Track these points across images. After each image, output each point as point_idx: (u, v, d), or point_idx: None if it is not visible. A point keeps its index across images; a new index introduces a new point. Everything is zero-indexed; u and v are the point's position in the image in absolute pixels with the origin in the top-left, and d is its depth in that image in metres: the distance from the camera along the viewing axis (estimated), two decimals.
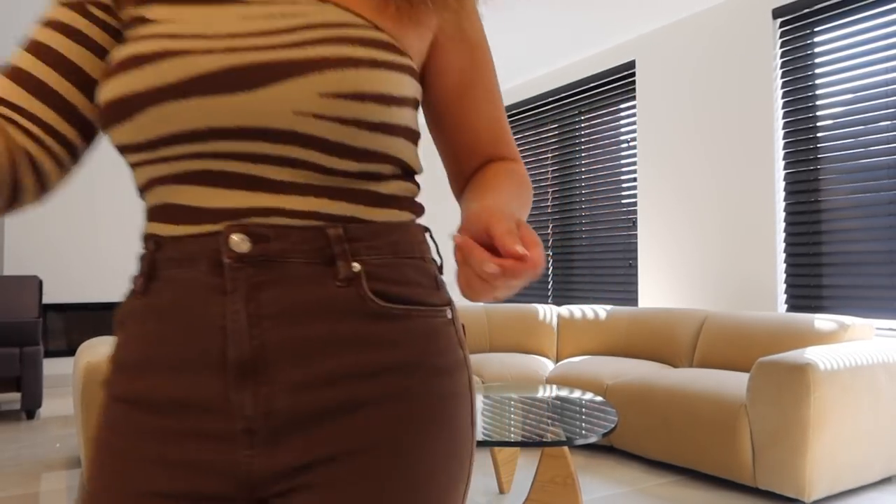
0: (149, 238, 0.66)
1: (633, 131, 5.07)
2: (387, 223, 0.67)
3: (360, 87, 0.62)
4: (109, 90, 0.62)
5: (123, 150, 0.64)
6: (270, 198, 0.62)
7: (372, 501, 0.62)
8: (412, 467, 0.63)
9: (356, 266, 0.63)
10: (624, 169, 5.16)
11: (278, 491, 0.62)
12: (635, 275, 4.98)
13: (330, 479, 0.61)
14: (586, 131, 5.48)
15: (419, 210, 0.72)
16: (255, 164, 0.62)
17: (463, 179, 0.81)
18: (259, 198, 0.62)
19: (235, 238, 0.61)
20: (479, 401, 2.87)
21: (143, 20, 0.65)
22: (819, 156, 3.84)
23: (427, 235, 0.73)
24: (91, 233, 6.08)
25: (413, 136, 0.69)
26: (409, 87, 0.67)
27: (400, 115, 0.65)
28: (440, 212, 6.86)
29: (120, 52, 0.63)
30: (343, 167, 0.64)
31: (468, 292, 0.58)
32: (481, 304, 6.51)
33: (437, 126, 0.79)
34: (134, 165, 0.66)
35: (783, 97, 4.05)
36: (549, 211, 5.84)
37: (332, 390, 0.61)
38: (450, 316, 0.70)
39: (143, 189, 0.67)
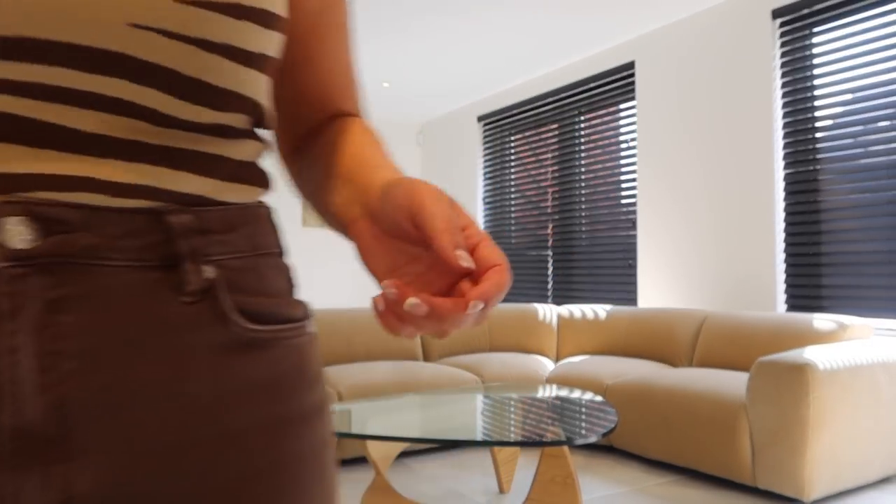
0: None
1: (633, 131, 5.07)
2: (242, 206, 0.48)
3: None
4: None
5: None
6: (73, 160, 0.39)
7: None
8: None
9: (210, 271, 0.44)
10: (624, 169, 5.16)
11: None
12: (635, 274, 4.99)
13: None
14: (586, 131, 5.49)
15: (269, 182, 0.52)
16: (51, 104, 0.38)
17: (297, 131, 0.62)
18: (53, 159, 0.39)
19: (13, 225, 0.37)
20: (479, 401, 2.87)
21: None
22: (819, 156, 3.84)
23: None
24: None
25: (275, 72, 0.54)
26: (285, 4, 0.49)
27: (276, 43, 0.48)
28: None
29: None
30: (190, 116, 0.43)
31: (390, 328, 0.44)
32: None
33: (283, 65, 0.60)
34: None
35: (783, 97, 4.05)
36: (549, 211, 5.84)
37: (172, 468, 0.41)
38: (311, 330, 0.52)
39: None
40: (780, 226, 4.05)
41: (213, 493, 0.42)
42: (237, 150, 0.48)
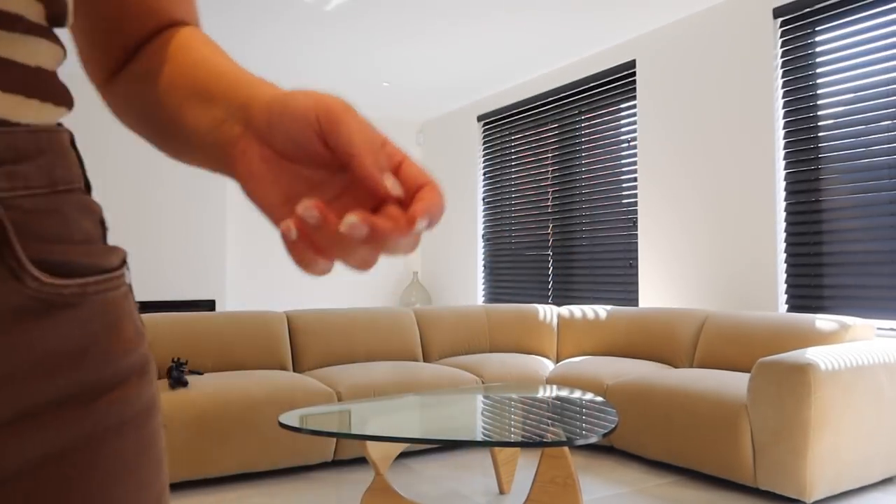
0: None
1: (634, 131, 5.06)
2: (35, 128, 0.38)
3: None
4: None
5: None
6: None
7: None
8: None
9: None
10: (624, 169, 5.16)
11: None
12: (635, 275, 4.98)
13: None
14: (586, 131, 5.48)
15: (70, 100, 0.42)
16: None
17: (115, 52, 0.50)
18: None
19: None
20: (479, 401, 2.87)
21: None
22: (819, 156, 3.84)
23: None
24: None
25: None
26: None
27: None
28: None
29: None
30: None
31: (307, 262, 0.37)
32: (481, 304, 6.51)
33: None
34: None
35: (784, 97, 4.04)
36: (549, 211, 5.83)
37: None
38: (129, 280, 0.43)
39: None
40: (781, 225, 4.04)
41: (10, 481, 0.34)
42: (28, 53, 0.37)
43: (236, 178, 0.41)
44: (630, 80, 5.09)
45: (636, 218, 5.00)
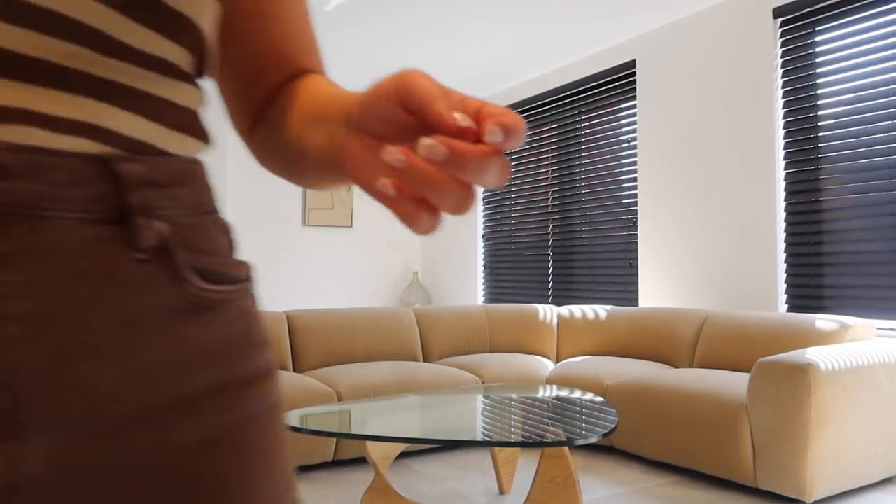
0: None
1: (634, 131, 5.06)
2: (185, 159, 0.44)
3: None
4: None
5: None
6: (6, 88, 0.34)
7: None
8: None
9: (163, 227, 0.40)
10: (624, 169, 5.16)
11: None
12: (635, 275, 4.98)
13: None
14: (586, 131, 5.48)
15: (209, 138, 0.48)
16: None
17: (255, 104, 0.57)
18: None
19: None
20: (479, 401, 2.87)
21: None
22: (819, 156, 3.84)
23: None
24: None
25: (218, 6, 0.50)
26: None
27: None
28: None
29: None
30: (134, 41, 0.39)
31: (409, 216, 0.38)
32: (481, 304, 6.51)
33: (232, 20, 0.55)
34: None
35: (784, 97, 4.05)
36: (549, 211, 5.83)
37: (126, 439, 0.37)
38: (254, 293, 0.49)
39: None
40: (781, 225, 4.04)
41: (170, 461, 0.39)
42: (180, 95, 0.44)
43: (348, 173, 0.44)
44: (630, 80, 5.09)
45: (636, 218, 5.00)
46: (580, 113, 5.53)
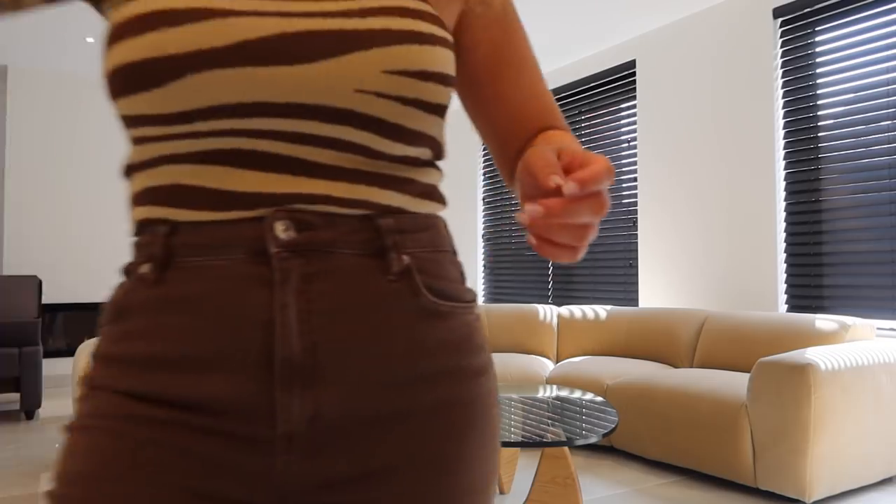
0: (154, 223, 0.58)
1: (634, 131, 5.06)
2: (426, 215, 0.64)
3: (425, 65, 0.58)
4: (128, 50, 0.53)
5: (139, 121, 0.56)
6: (316, 183, 0.57)
7: None
8: (459, 484, 0.61)
9: (406, 259, 0.60)
10: (624, 169, 5.16)
11: (312, 503, 0.56)
12: (635, 275, 4.98)
13: (374, 496, 0.57)
14: (586, 131, 5.48)
15: (445, 202, 0.68)
16: (301, 146, 0.56)
17: (509, 161, 0.74)
18: (303, 183, 0.56)
19: (281, 226, 0.55)
20: None
21: None
22: (819, 156, 3.84)
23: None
24: (91, 233, 6.07)
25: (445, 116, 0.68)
26: (454, 64, 0.65)
27: (449, 95, 0.63)
28: None
29: (137, 6, 0.54)
30: (393, 151, 0.60)
31: (550, 255, 0.53)
32: (481, 304, 6.50)
33: (475, 105, 0.74)
34: (142, 140, 0.58)
35: (783, 97, 4.05)
36: None
37: (385, 396, 0.57)
38: (477, 311, 0.66)
39: (143, 167, 0.59)
40: (781, 226, 4.04)
41: (418, 413, 0.59)
42: (423, 176, 0.64)
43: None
44: (630, 80, 5.09)
45: (636, 218, 5.00)
46: (580, 113, 5.53)
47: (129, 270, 0.60)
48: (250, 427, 0.54)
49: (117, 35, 0.54)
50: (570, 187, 0.47)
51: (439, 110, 0.61)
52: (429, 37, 0.59)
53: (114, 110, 0.58)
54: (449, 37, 0.63)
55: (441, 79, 0.60)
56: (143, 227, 0.59)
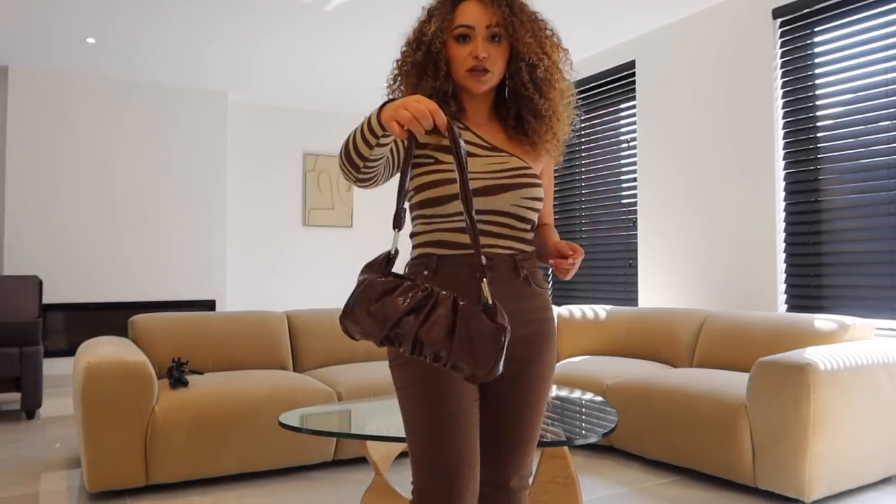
0: (429, 255, 1.37)
1: (633, 131, 5.07)
2: (530, 253, 1.43)
3: (532, 195, 1.39)
4: (432, 190, 1.35)
5: (433, 216, 1.37)
6: (493, 240, 1.36)
7: (538, 376, 1.40)
8: (549, 365, 1.43)
9: (524, 271, 1.39)
10: (624, 169, 5.16)
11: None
12: (635, 275, 4.98)
13: (520, 368, 1.38)
14: (586, 131, 5.48)
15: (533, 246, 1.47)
16: (489, 225, 1.36)
17: (535, 230, 1.50)
18: (488, 240, 1.36)
19: (483, 258, 1.20)
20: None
21: (435, 160, 1.35)
22: (819, 156, 3.84)
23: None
24: (91, 233, 6.08)
25: (538, 214, 1.46)
26: (542, 191, 1.43)
27: (540, 205, 1.43)
28: None
29: (429, 174, 1.35)
30: (521, 226, 1.40)
31: (561, 276, 1.40)
32: None
33: None
34: (429, 220, 1.38)
35: (783, 97, 4.05)
36: None
37: (523, 327, 1.37)
38: (550, 292, 1.32)
39: (426, 232, 1.39)
40: (781, 226, 4.04)
41: (531, 336, 1.40)
42: (530, 235, 1.44)
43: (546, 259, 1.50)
44: (630, 80, 5.10)
45: (636, 218, 5.00)
46: (580, 113, 5.53)
47: (416, 271, 1.39)
48: None
49: (423, 182, 1.37)
50: (573, 261, 1.39)
51: (537, 210, 1.43)
52: (532, 184, 1.39)
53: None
54: (540, 181, 1.43)
55: (537, 200, 1.41)
56: (420, 256, 1.40)
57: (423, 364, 1.26)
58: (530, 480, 1.48)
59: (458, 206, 1.29)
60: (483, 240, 1.32)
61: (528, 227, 1.39)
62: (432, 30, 1.37)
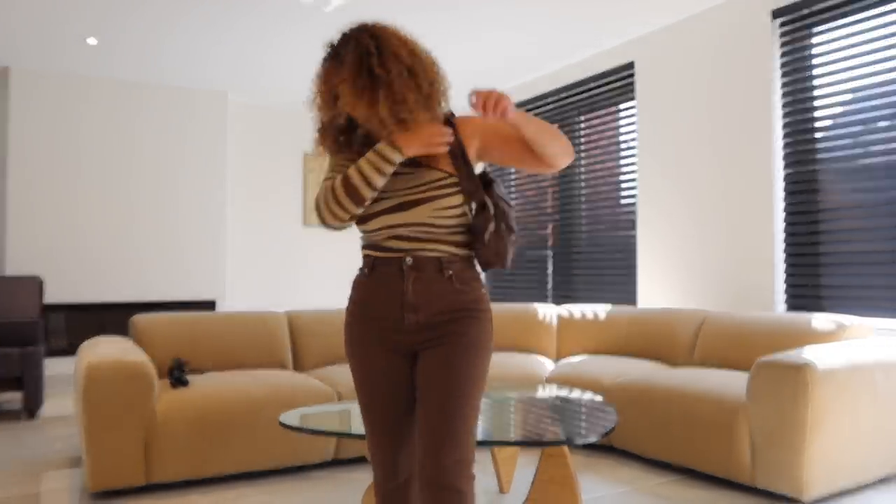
0: (369, 255, 1.59)
1: (633, 131, 5.07)
2: (462, 254, 1.59)
3: (442, 205, 1.53)
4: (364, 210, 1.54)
5: (367, 230, 1.58)
6: (420, 244, 1.54)
7: (454, 356, 1.52)
8: (468, 352, 1.54)
9: (449, 272, 1.55)
10: (623, 169, 5.17)
11: (418, 349, 1.56)
12: (635, 275, 4.99)
13: (437, 348, 1.54)
14: (586, 132, 5.49)
15: (465, 246, 1.60)
16: (413, 233, 1.53)
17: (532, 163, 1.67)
18: (415, 244, 1.54)
19: (408, 260, 1.53)
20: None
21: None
22: (819, 156, 3.85)
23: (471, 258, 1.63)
24: (91, 233, 6.09)
25: (464, 217, 1.57)
26: (459, 198, 1.55)
27: (458, 211, 1.55)
28: None
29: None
30: (442, 231, 1.55)
31: (481, 112, 1.46)
32: None
33: (521, 157, 1.62)
34: (367, 233, 1.59)
35: (783, 97, 4.06)
36: (549, 211, 5.84)
37: (440, 316, 1.54)
38: (483, 291, 1.62)
39: (367, 238, 1.60)
40: (780, 226, 4.05)
41: (447, 323, 1.55)
42: (458, 238, 1.59)
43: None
44: (629, 80, 5.10)
45: (635, 218, 5.01)
46: (579, 114, 5.54)
47: (361, 271, 1.62)
48: (398, 325, 1.55)
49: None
50: (470, 95, 1.47)
51: (458, 216, 1.56)
52: (446, 194, 1.53)
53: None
54: (457, 185, 1.56)
55: (453, 207, 1.54)
56: (364, 256, 1.61)
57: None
58: (465, 471, 1.47)
59: (378, 223, 1.54)
60: (411, 244, 1.54)
61: (453, 228, 1.56)
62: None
